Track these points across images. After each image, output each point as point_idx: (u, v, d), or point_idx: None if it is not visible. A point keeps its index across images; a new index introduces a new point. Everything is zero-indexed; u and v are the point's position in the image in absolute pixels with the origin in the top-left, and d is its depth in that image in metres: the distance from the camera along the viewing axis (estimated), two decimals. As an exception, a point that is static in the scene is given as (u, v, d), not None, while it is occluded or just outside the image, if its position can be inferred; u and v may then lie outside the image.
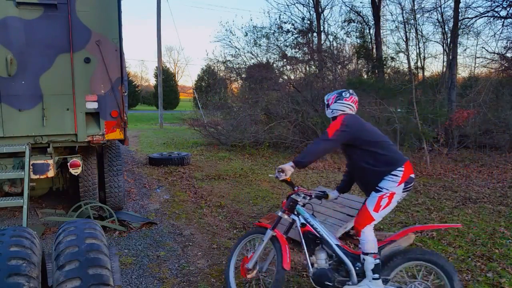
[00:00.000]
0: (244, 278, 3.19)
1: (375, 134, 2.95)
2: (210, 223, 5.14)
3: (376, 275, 2.73)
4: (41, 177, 4.38)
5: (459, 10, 12.23)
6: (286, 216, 3.09)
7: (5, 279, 1.55)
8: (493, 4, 12.16)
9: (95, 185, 5.13)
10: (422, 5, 15.17)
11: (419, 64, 13.41)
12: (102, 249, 1.82)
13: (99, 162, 5.30)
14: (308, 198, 3.09)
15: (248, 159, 10.26)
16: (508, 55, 12.76)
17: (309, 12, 15.71)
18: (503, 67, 13.02)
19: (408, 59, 11.91)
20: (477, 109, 11.37)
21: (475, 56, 15.50)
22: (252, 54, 14.27)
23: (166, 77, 35.76)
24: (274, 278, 2.97)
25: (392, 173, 2.82)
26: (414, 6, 12.08)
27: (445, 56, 13.24)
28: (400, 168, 2.82)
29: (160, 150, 11.38)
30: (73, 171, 4.55)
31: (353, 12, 15.47)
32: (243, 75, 14.68)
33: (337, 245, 2.92)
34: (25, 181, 4.01)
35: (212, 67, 19.67)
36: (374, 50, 14.81)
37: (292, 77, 13.82)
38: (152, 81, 46.27)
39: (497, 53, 12.94)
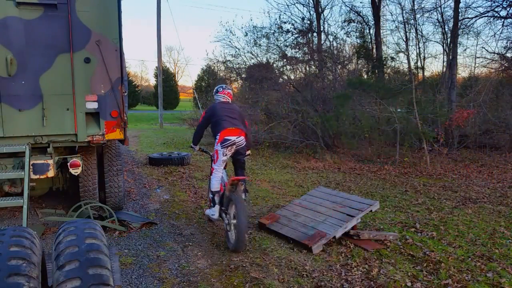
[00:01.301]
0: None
1: (218, 115, 4.44)
2: (210, 223, 5.14)
3: (212, 204, 4.54)
4: (41, 177, 4.37)
5: (459, 10, 12.23)
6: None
7: (5, 279, 1.55)
8: (493, 4, 12.17)
9: (95, 185, 5.13)
10: (422, 5, 15.19)
11: (419, 64, 13.41)
12: (102, 249, 1.82)
13: (99, 162, 5.30)
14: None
15: (248, 159, 10.25)
16: (508, 55, 12.77)
17: (309, 12, 15.69)
18: (503, 67, 13.03)
19: (408, 59, 11.93)
20: (477, 109, 11.38)
21: (475, 56, 15.45)
22: (252, 54, 14.28)
23: (166, 77, 35.73)
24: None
25: (216, 138, 4.40)
26: (414, 6, 12.09)
27: (445, 56, 13.25)
28: (218, 135, 4.36)
29: (160, 150, 11.38)
30: (73, 171, 4.55)
31: (353, 12, 15.46)
32: (243, 75, 14.68)
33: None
34: (25, 181, 4.01)
35: (212, 67, 19.67)
36: (374, 50, 14.80)
37: (292, 77, 13.82)
38: (152, 81, 46.25)
39: (497, 53, 12.96)
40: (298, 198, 5.52)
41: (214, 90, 4.77)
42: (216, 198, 4.48)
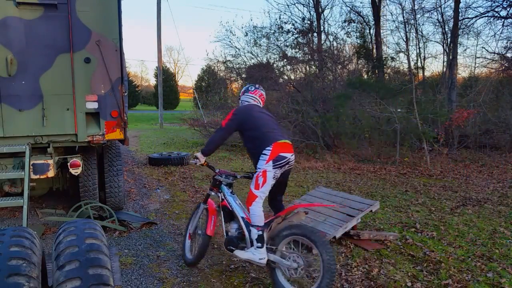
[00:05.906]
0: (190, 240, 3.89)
1: (259, 120, 3.40)
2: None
3: (259, 244, 3.18)
4: (41, 177, 4.37)
5: (459, 10, 12.24)
6: (213, 193, 3.66)
7: (5, 279, 1.55)
8: (493, 4, 12.18)
9: (95, 185, 5.13)
10: (422, 5, 15.15)
11: (419, 64, 13.42)
12: (102, 249, 1.82)
13: (99, 162, 5.30)
14: (232, 178, 3.61)
15: (248, 159, 10.25)
16: (508, 55, 12.77)
17: (309, 12, 15.68)
18: (503, 67, 13.03)
19: (408, 59, 11.91)
20: (477, 109, 11.37)
21: (475, 56, 15.51)
22: (252, 54, 14.29)
23: (166, 77, 35.75)
24: (198, 242, 3.70)
25: (262, 152, 3.26)
26: (414, 6, 12.08)
27: (445, 56, 13.25)
28: (268, 148, 3.24)
29: (160, 150, 11.38)
30: (73, 171, 4.55)
31: (353, 12, 15.48)
32: (243, 75, 14.68)
33: (242, 217, 3.37)
34: (25, 181, 4.01)
35: (212, 67, 19.65)
36: (374, 50, 14.81)
37: (292, 77, 13.83)
38: (152, 81, 46.32)
39: (497, 53, 12.96)
40: (298, 198, 5.51)
41: (245, 89, 3.73)
42: (265, 235, 3.26)
